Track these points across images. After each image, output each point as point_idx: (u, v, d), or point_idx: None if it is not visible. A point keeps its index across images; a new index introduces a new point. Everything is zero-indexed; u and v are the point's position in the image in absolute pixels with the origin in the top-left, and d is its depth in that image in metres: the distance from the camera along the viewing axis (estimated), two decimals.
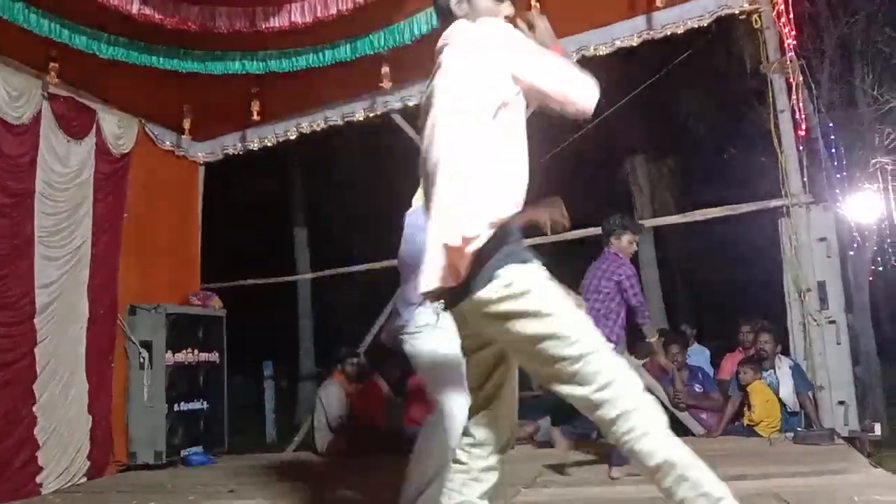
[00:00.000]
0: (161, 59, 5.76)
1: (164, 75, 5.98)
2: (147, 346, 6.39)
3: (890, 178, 8.56)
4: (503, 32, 2.10)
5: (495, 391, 2.22)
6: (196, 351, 6.86)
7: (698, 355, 7.72)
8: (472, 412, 2.26)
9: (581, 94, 2.11)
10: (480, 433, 2.23)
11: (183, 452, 6.51)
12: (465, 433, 2.27)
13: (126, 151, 6.69)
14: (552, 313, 1.97)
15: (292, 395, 12.31)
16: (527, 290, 1.97)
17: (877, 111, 8.90)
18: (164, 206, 7.22)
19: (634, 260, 5.26)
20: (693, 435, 6.43)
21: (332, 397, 6.94)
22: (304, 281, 12.41)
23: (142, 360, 6.35)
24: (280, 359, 12.37)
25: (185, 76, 6.01)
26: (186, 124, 6.98)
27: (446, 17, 2.26)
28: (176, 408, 6.51)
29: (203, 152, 7.84)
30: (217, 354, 7.19)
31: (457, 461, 2.25)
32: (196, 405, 6.77)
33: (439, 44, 2.24)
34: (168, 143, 7.36)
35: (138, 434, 6.31)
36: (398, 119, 7.37)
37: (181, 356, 6.65)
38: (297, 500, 4.66)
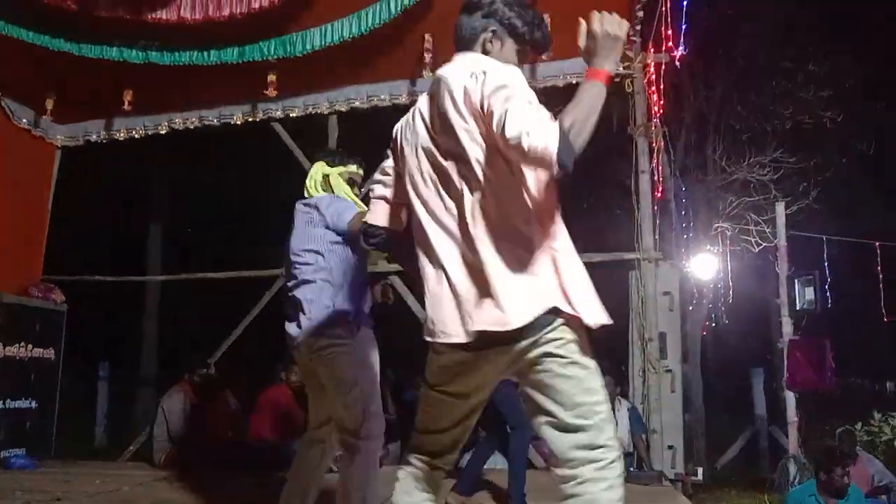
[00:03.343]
0: (31, 34, 5.41)
1: (32, 50, 5.63)
2: None
3: (729, 242, 9.35)
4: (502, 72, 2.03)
5: (465, 431, 2.25)
6: (30, 346, 6.40)
7: None
8: (431, 447, 2.24)
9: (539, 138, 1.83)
10: (439, 462, 2.25)
11: (3, 454, 6.02)
12: (421, 461, 2.25)
13: None
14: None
15: (128, 401, 11.64)
16: None
17: (723, 180, 9.71)
18: (12, 188, 6.73)
19: None
20: (535, 467, 6.67)
21: (175, 407, 6.62)
22: (153, 281, 11.85)
23: None
24: (118, 360, 11.71)
25: (55, 54, 5.68)
26: (49, 104, 6.58)
27: (466, 42, 2.22)
28: (1, 405, 6.02)
29: (63, 135, 7.40)
30: (53, 351, 6.73)
31: (411, 465, 2.25)
32: (23, 404, 6.30)
33: (462, 71, 2.09)
34: (25, 121, 6.90)
35: None
36: (278, 128, 7.27)
37: (13, 350, 6.18)
38: None
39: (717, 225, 9.53)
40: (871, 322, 10.48)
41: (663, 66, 6.22)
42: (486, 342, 1.99)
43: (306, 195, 3.46)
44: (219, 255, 11.01)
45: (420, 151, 2.17)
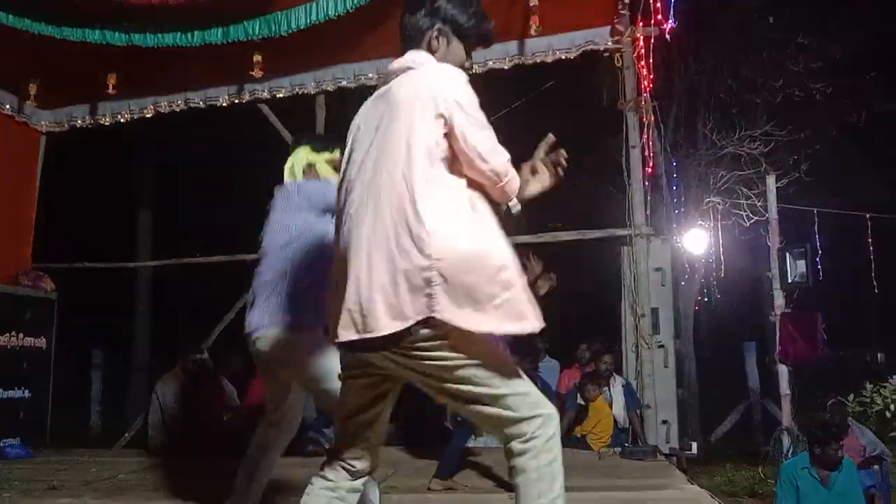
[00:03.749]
0: (11, 16, 5.32)
1: (12, 33, 5.53)
2: None
3: (720, 216, 9.35)
4: (466, 89, 2.10)
5: (375, 418, 2.23)
6: (21, 335, 6.36)
7: (551, 369, 7.96)
8: (346, 437, 2.23)
9: (511, 186, 2.13)
10: (353, 457, 2.22)
11: None
12: (337, 456, 2.23)
13: None
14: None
15: (121, 388, 11.62)
16: None
17: (714, 154, 9.69)
18: None
19: None
20: None
21: (169, 393, 6.62)
22: (144, 268, 11.79)
23: None
24: (111, 348, 11.66)
25: (37, 38, 5.58)
26: (32, 89, 6.50)
27: (413, 41, 2.24)
28: None
29: (47, 121, 7.32)
30: (44, 340, 6.69)
31: (324, 477, 2.22)
32: (17, 393, 6.27)
33: (402, 65, 2.18)
34: (8, 106, 6.81)
35: None
36: (265, 109, 7.20)
37: (4, 339, 6.15)
38: (128, 498, 4.42)
39: (708, 199, 9.53)
40: (862, 293, 10.52)
41: (653, 40, 6.17)
42: (359, 347, 2.03)
43: (285, 181, 3.27)
44: (209, 240, 10.93)
45: (356, 148, 2.20)
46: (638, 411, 6.22)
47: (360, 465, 2.23)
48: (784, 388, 6.79)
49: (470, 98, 2.08)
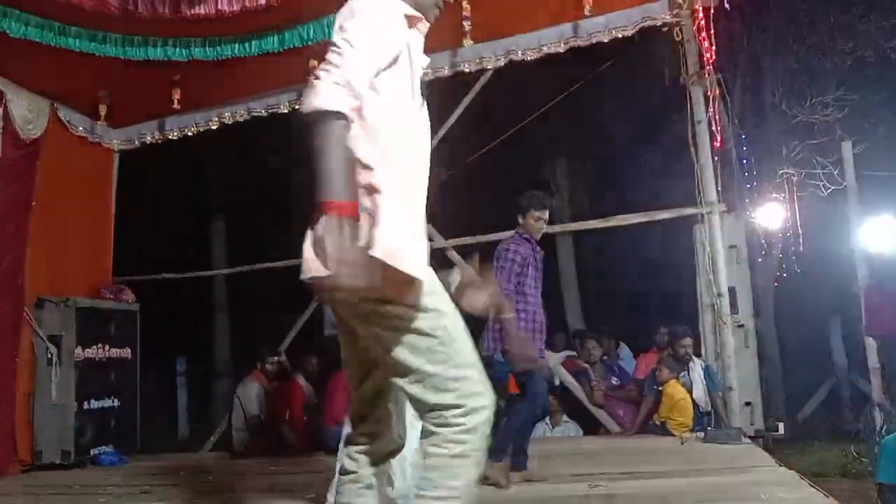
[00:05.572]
0: (77, 41, 5.51)
1: (80, 58, 5.72)
2: (55, 340, 6.08)
3: (795, 188, 8.99)
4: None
5: (376, 391, 2.08)
6: (107, 346, 6.59)
7: (628, 356, 7.87)
8: (356, 412, 2.11)
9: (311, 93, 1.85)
10: (366, 436, 2.10)
11: (93, 452, 6.24)
12: (352, 441, 2.11)
13: (36, 136, 6.34)
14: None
15: (206, 393, 11.99)
16: None
17: (785, 124, 9.33)
18: (75, 195, 6.89)
19: (553, 258, 5.32)
20: (609, 433, 6.63)
21: (250, 396, 6.80)
22: (219, 275, 12.11)
23: (49, 355, 6.04)
24: (193, 355, 12.04)
25: (103, 60, 5.77)
26: (102, 110, 6.73)
27: None
28: (86, 405, 6.22)
29: (118, 139, 7.55)
30: (129, 350, 6.92)
31: (345, 471, 2.10)
32: (107, 403, 6.50)
33: None
34: (81, 128, 7.04)
35: (45, 433, 6.00)
36: None
37: (91, 352, 6.37)
38: (216, 500, 4.55)
39: (781, 171, 9.17)
40: None
41: (712, 10, 5.98)
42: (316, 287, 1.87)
43: None
44: (281, 243, 11.15)
45: None
46: (720, 394, 6.06)
47: (374, 445, 2.08)
48: (873, 361, 6.53)
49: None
